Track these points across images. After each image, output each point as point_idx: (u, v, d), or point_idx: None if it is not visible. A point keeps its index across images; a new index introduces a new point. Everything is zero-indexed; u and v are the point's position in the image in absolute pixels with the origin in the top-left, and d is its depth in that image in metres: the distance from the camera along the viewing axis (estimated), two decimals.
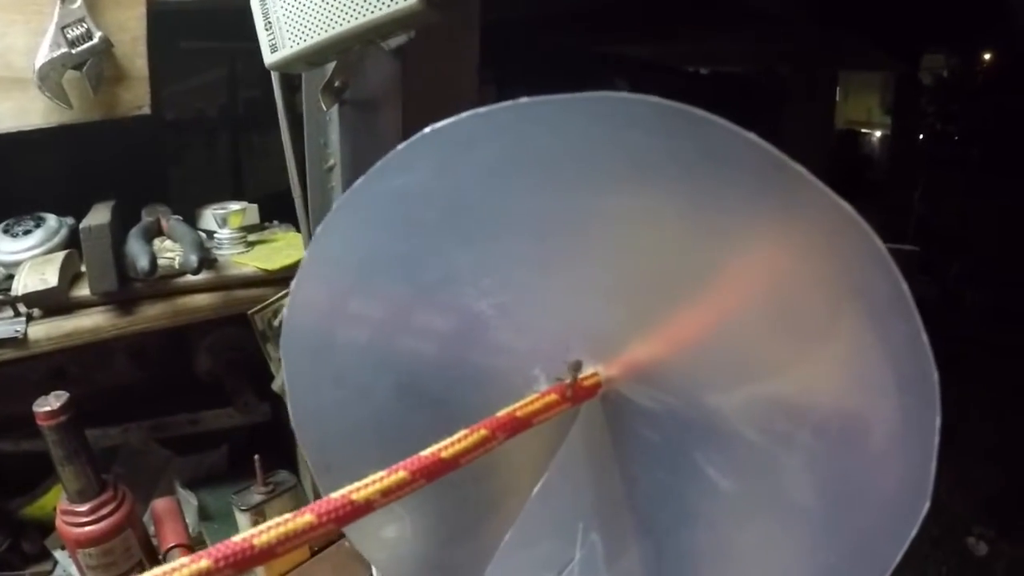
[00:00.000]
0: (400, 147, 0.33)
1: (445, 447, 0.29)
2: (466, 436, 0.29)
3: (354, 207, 0.37)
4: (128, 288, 0.99)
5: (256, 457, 1.08)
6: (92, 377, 1.21)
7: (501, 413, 0.32)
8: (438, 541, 0.45)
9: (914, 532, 0.29)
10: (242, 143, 1.72)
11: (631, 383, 0.37)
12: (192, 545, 0.97)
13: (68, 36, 0.97)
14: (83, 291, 0.98)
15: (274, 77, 0.88)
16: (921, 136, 5.14)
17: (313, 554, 1.11)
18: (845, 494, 0.33)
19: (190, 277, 1.01)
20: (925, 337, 0.27)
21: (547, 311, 0.38)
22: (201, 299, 1.03)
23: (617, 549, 0.40)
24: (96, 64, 1.00)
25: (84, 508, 0.86)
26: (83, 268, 0.99)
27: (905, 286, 0.27)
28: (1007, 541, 1.63)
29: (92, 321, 0.97)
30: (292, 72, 0.74)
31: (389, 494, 0.26)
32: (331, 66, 0.82)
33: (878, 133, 4.79)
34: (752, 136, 0.27)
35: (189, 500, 1.19)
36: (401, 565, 0.46)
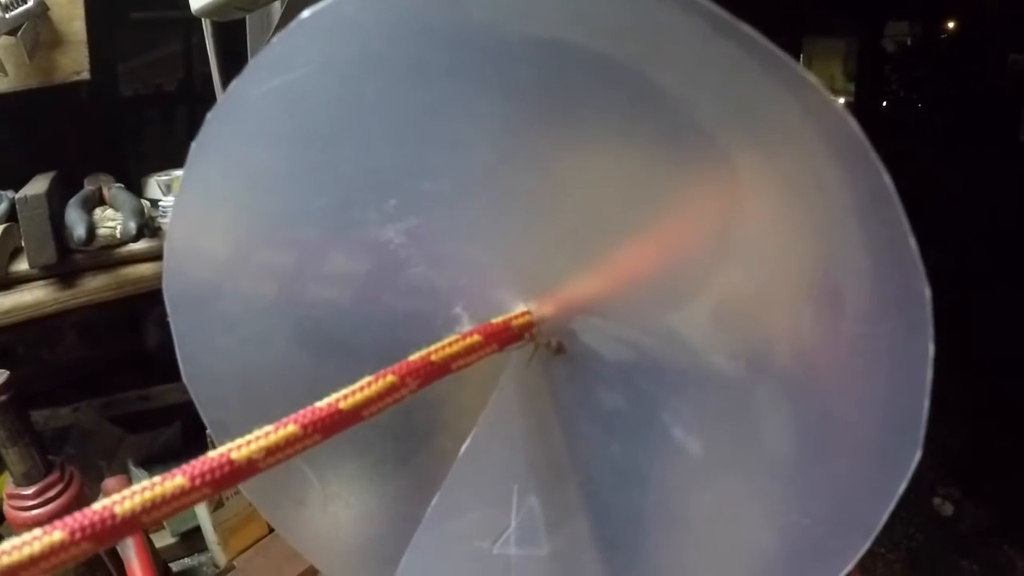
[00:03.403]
0: (277, 38, 0.29)
1: (344, 396, 0.25)
2: (370, 384, 0.26)
3: (231, 117, 0.32)
4: (68, 260, 0.95)
5: (209, 432, 1.06)
6: (40, 356, 1.18)
7: (413, 357, 0.28)
8: (354, 511, 0.41)
9: (903, 486, 0.25)
10: (200, 117, 1.70)
11: (576, 319, 0.33)
12: None
13: (1, 0, 0.92)
14: (22, 265, 0.94)
15: (207, 34, 0.84)
16: (884, 103, 5.18)
17: (272, 529, 1.09)
18: (822, 439, 0.29)
19: (133, 246, 0.97)
20: (914, 244, 0.23)
21: (467, 240, 0.34)
22: (145, 268, 0.99)
23: (558, 514, 0.37)
24: (32, 28, 0.96)
25: (30, 491, 0.83)
26: (23, 242, 0.95)
27: (887, 178, 0.23)
28: (972, 501, 1.64)
29: (33, 296, 0.94)
30: (224, 19, 0.70)
31: (276, 452, 0.23)
32: (275, 23, 0.79)
33: (841, 100, 4.78)
34: None
35: (142, 479, 1.16)
36: (316, 541, 0.42)
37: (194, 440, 1.24)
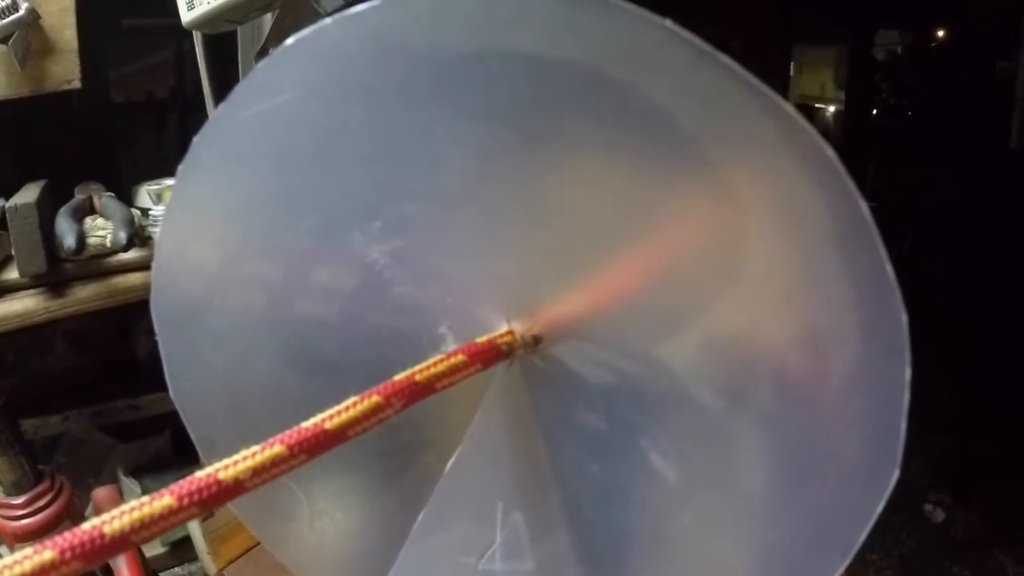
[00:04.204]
0: (262, 64, 0.29)
1: (330, 416, 0.25)
2: (355, 404, 0.26)
3: (217, 141, 0.32)
4: (59, 269, 0.95)
5: None
6: (30, 365, 1.18)
7: (398, 377, 0.28)
8: (341, 527, 0.41)
9: (881, 506, 0.25)
10: (192, 124, 1.69)
11: (559, 340, 0.33)
12: None
13: None
14: (12, 274, 0.94)
15: (197, 43, 0.85)
16: (875, 111, 5.19)
17: None
18: (801, 461, 0.29)
19: (123, 256, 0.97)
20: (891, 270, 0.23)
21: (452, 259, 0.34)
22: (136, 278, 0.99)
23: (542, 529, 0.37)
24: (23, 37, 0.96)
25: (20, 501, 0.83)
26: (13, 251, 0.95)
27: (864, 206, 0.23)
28: (963, 508, 1.65)
29: (22, 305, 0.94)
30: (213, 31, 0.70)
31: (263, 472, 0.23)
32: (265, 33, 0.79)
33: (832, 108, 4.81)
34: (669, 23, 0.23)
35: (132, 488, 1.16)
36: (303, 557, 0.42)
37: (184, 449, 1.24)
